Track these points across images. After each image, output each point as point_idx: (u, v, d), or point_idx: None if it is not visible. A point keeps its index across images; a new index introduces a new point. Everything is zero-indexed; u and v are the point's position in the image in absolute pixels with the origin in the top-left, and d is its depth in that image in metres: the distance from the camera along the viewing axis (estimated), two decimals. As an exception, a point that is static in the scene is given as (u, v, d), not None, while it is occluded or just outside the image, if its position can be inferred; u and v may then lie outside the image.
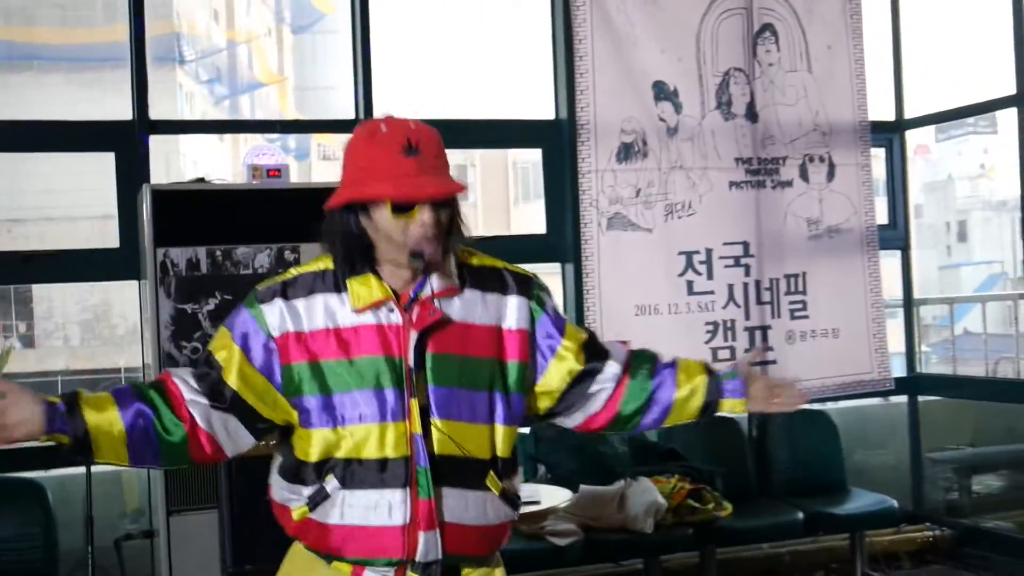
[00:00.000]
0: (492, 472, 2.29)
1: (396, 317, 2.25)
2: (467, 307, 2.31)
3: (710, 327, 6.15)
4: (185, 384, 2.27)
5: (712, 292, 6.15)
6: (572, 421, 2.50)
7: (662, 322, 6.04)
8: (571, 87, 5.97)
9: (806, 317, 6.35)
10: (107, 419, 2.18)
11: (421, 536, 2.21)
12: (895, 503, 5.95)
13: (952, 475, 6.97)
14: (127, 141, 5.46)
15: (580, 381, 2.42)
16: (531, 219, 6.34)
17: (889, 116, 6.89)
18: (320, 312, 2.26)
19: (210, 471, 4.25)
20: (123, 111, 5.54)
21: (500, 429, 2.31)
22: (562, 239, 6.10)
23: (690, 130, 6.13)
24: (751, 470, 6.19)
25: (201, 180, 5.02)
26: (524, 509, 4.40)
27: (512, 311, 2.35)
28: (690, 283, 6.12)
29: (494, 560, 2.42)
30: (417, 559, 2.22)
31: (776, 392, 2.53)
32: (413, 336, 2.24)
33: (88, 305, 22.16)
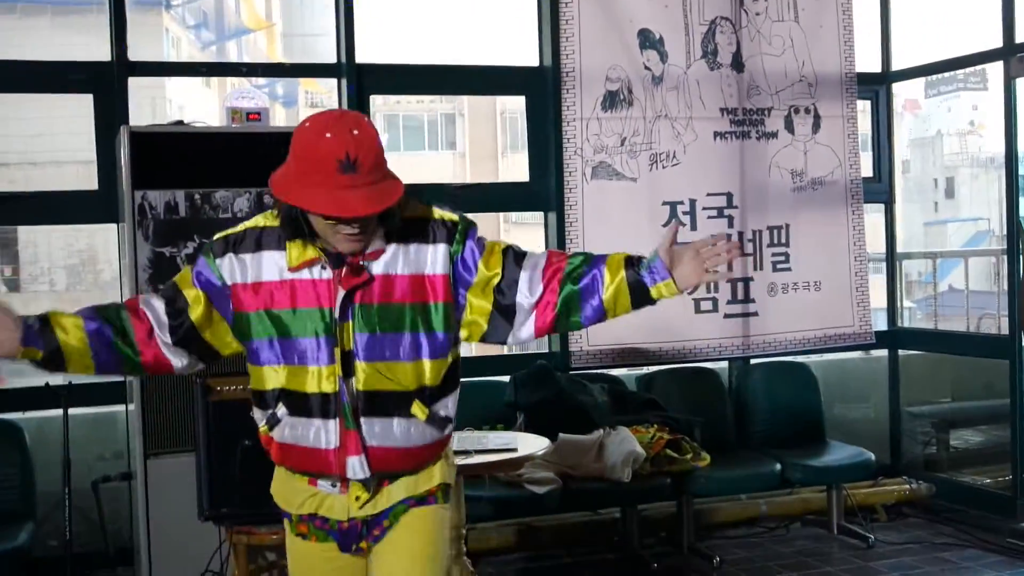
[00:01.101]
0: (418, 400, 2.59)
1: (328, 273, 2.54)
2: (390, 261, 2.57)
3: (693, 278, 6.12)
4: (155, 317, 2.63)
5: (695, 243, 6.12)
6: (515, 334, 2.68)
7: (645, 272, 6.01)
8: (555, 34, 5.92)
9: (788, 270, 6.34)
10: (75, 335, 2.54)
11: (349, 460, 2.57)
12: (872, 456, 5.98)
13: (931, 429, 7.00)
14: (106, 82, 5.40)
15: (502, 301, 2.63)
16: (519, 168, 6.30)
17: (876, 68, 6.84)
18: (266, 266, 2.57)
19: (188, 416, 4.23)
20: (104, 53, 5.47)
21: (427, 363, 2.60)
22: (545, 187, 6.07)
23: (675, 79, 6.09)
24: (730, 421, 6.21)
25: (180, 123, 4.96)
26: (500, 456, 4.44)
27: (434, 258, 2.59)
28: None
29: (427, 468, 2.67)
30: (348, 476, 2.58)
31: (705, 258, 2.63)
32: (340, 293, 2.52)
33: (74, 250, 22.04)
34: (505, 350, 7.02)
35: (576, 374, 5.93)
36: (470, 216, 2.70)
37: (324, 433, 2.57)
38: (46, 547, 5.15)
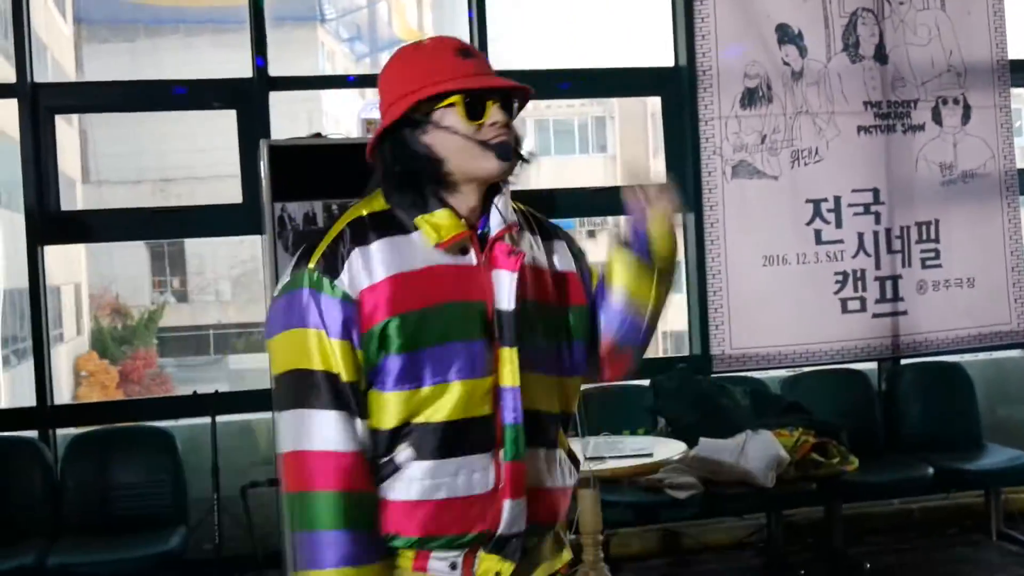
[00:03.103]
0: (560, 429, 2.07)
1: (471, 257, 1.96)
2: (527, 248, 2.03)
3: (839, 277, 5.98)
4: (358, 447, 1.92)
5: (841, 241, 5.98)
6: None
7: (790, 272, 5.90)
8: (690, 32, 5.84)
9: (939, 266, 6.11)
10: None
11: (507, 504, 1.91)
12: (1033, 459, 5.72)
13: (1098, 431, 6.66)
14: (247, 98, 5.55)
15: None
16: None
17: (1032, 54, 6.54)
18: (390, 256, 1.92)
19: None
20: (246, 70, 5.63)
21: (568, 382, 2.07)
22: (683, 188, 5.99)
23: (816, 74, 5.94)
24: (879, 424, 6.01)
25: (318, 135, 5.07)
26: (636, 461, 4.41)
27: (563, 254, 2.11)
28: (818, 232, 5.95)
29: (559, 531, 2.16)
30: (500, 531, 1.92)
31: (658, 201, 2.00)
32: (508, 278, 1.94)
33: (237, 260, 22.77)
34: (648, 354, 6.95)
35: (717, 377, 5.83)
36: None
37: (477, 473, 1.91)
38: (199, 550, 5.31)
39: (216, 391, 5.06)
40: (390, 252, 1.92)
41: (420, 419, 1.90)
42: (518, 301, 1.94)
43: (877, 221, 6.02)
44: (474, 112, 1.94)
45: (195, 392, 5.11)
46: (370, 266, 1.91)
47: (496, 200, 2.02)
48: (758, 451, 5.22)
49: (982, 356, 6.52)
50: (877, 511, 5.96)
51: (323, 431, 1.88)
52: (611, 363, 2.14)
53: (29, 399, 5.44)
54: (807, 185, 5.94)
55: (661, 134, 6.16)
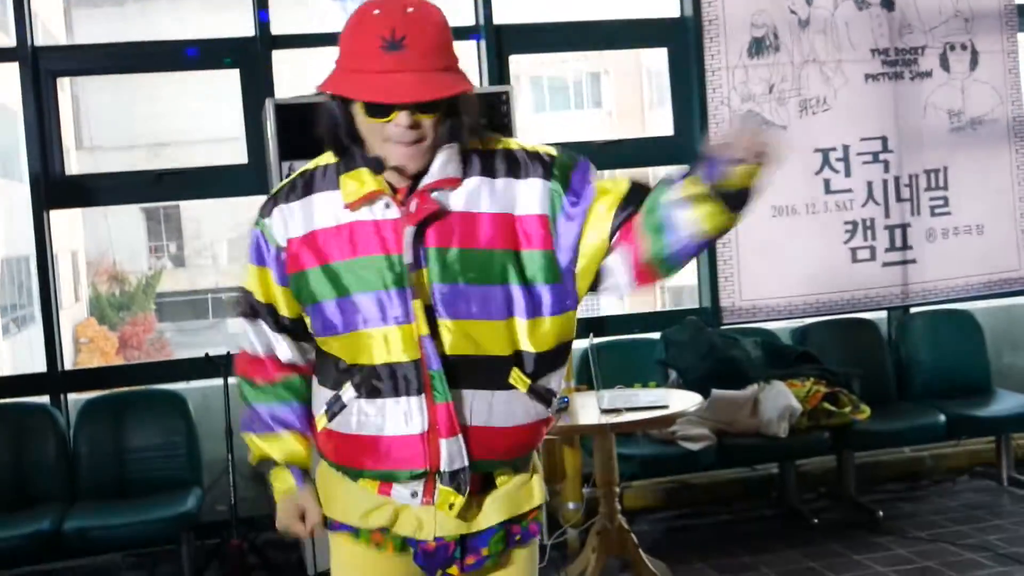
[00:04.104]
0: (516, 369, 2.09)
1: (393, 212, 2.04)
2: (471, 196, 2.07)
3: (849, 226, 5.96)
4: (285, 352, 2.25)
5: (850, 190, 5.96)
6: (621, 277, 2.13)
7: (800, 223, 5.89)
8: (696, -18, 5.79)
9: (948, 214, 6.09)
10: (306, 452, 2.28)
11: (443, 443, 2.04)
12: (1044, 405, 5.72)
13: (1107, 375, 6.66)
14: (250, 57, 5.50)
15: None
16: (665, 124, 6.22)
17: (1038, -2, 6.49)
18: (318, 210, 2.09)
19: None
20: (248, 28, 5.57)
21: (521, 323, 2.09)
22: (691, 141, 5.96)
23: (822, 21, 5.90)
24: (890, 373, 6.01)
25: (323, 93, 5.00)
26: (651, 413, 4.40)
27: (528, 195, 2.09)
28: (827, 181, 5.93)
29: (530, 464, 2.23)
30: (442, 468, 2.05)
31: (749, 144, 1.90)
32: (409, 231, 2.02)
33: (234, 223, 22.73)
34: (658, 306, 6.92)
35: (728, 329, 5.82)
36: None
37: (407, 414, 2.04)
38: (214, 512, 5.32)
39: (228, 352, 5.04)
40: (318, 207, 2.10)
41: (358, 361, 2.08)
42: (438, 250, 2.03)
43: (886, 169, 6.00)
44: (377, 112, 1.98)
45: (207, 354, 5.08)
46: (297, 219, 2.11)
47: (438, 155, 2.06)
48: (770, 402, 5.24)
49: (991, 303, 6.50)
50: (889, 459, 5.98)
51: (248, 338, 2.26)
52: (641, 274, 2.11)
53: (30, 366, 5.42)
54: (816, 134, 5.91)
55: (656, 88, 6.11)
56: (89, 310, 22.77)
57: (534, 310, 2.09)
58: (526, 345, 2.10)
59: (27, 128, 5.32)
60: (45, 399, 5.35)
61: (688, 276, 6.19)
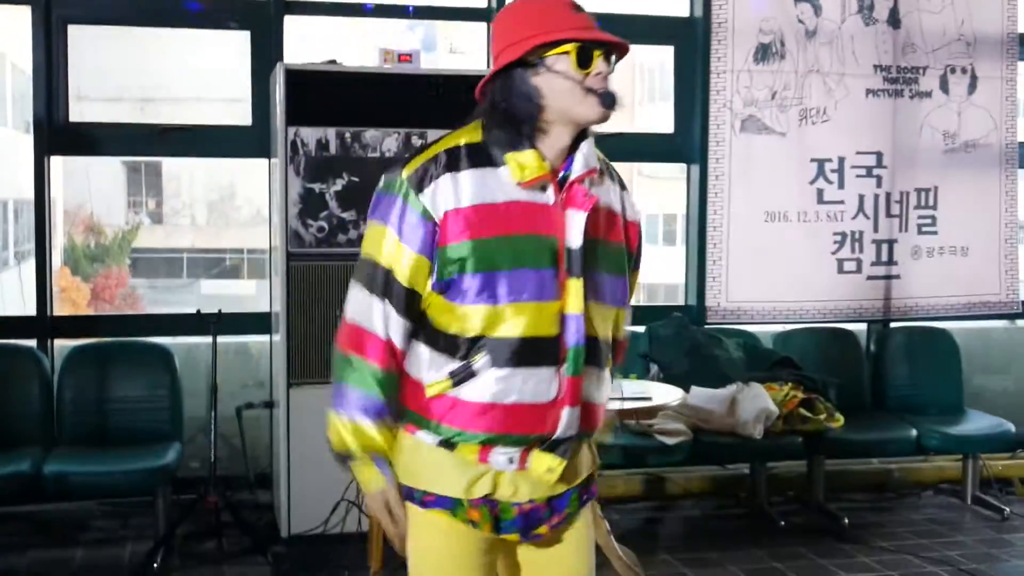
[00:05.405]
0: (610, 353, 2.35)
1: (550, 196, 2.20)
2: (605, 192, 2.30)
3: (838, 237, 6.05)
4: (400, 341, 2.24)
5: (842, 202, 6.04)
6: None
7: (790, 230, 5.97)
8: (707, -16, 5.84)
9: (935, 233, 6.20)
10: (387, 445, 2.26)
11: (565, 411, 2.19)
12: (1013, 428, 5.81)
13: (1075, 403, 6.79)
14: (263, 20, 5.52)
15: None
16: (652, 120, 6.28)
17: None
18: (485, 184, 2.18)
19: (331, 347, 4.33)
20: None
21: (622, 313, 2.39)
22: (690, 140, 6.02)
23: (829, 33, 5.97)
24: (866, 384, 6.11)
25: (333, 62, 5.04)
26: (633, 404, 4.46)
27: (629, 203, 2.39)
28: (820, 191, 6.02)
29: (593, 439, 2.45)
30: (558, 434, 2.20)
31: None
32: (579, 217, 2.19)
33: (215, 185, 22.59)
34: (642, 301, 7.00)
35: (711, 328, 5.90)
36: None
37: (540, 383, 2.18)
38: (189, 468, 5.36)
39: (219, 311, 5.07)
40: (478, 182, 2.18)
41: (497, 333, 2.17)
42: (585, 239, 2.20)
43: (878, 184, 6.08)
44: (583, 61, 2.16)
45: (198, 311, 5.10)
46: (458, 191, 2.17)
47: (582, 146, 2.24)
48: (748, 403, 5.31)
49: (968, 324, 6.62)
50: (858, 469, 6.08)
51: (373, 316, 2.22)
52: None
53: (4, 310, 5.43)
54: (813, 144, 5.98)
55: (647, 85, 6.16)
56: (63, 259, 22.61)
57: (624, 302, 2.38)
58: (617, 332, 2.37)
59: (35, 73, 5.32)
60: (32, 343, 5.36)
61: (676, 274, 6.29)
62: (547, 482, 2.25)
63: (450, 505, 2.25)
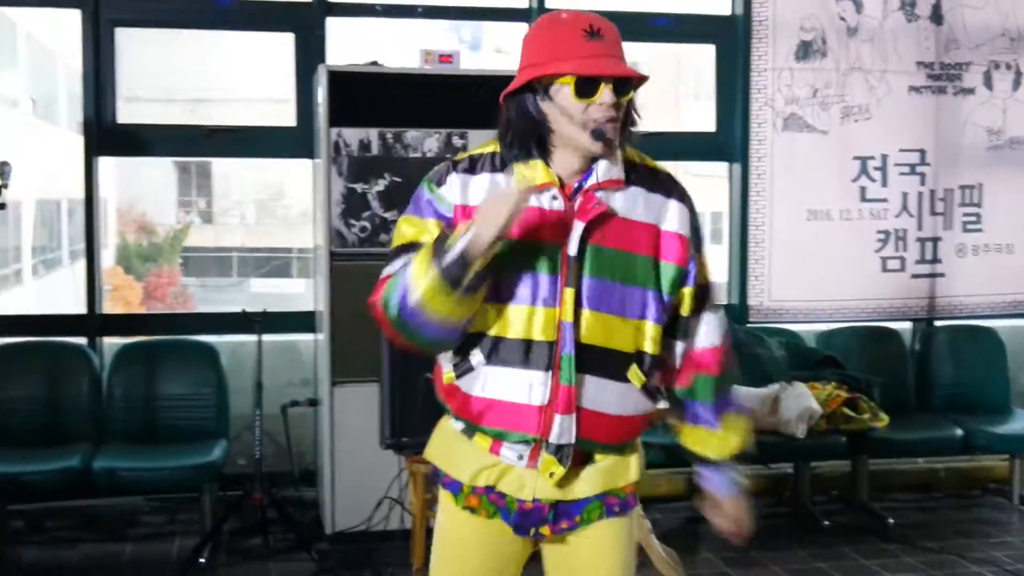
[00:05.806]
0: (635, 365, 2.30)
1: (559, 204, 2.25)
2: (629, 203, 2.29)
3: (881, 236, 6.02)
4: None
5: (885, 200, 6.01)
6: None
7: (833, 228, 5.95)
8: (749, -19, 5.84)
9: (980, 231, 6.15)
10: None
11: (557, 418, 2.24)
12: (1060, 427, 5.76)
13: (1124, 403, 6.70)
14: (307, 22, 5.58)
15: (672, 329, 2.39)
16: (695, 118, 6.27)
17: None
18: (485, 189, 2.28)
19: (374, 346, 4.37)
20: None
21: (650, 326, 2.32)
22: (731, 138, 6.02)
23: (871, 31, 5.94)
24: (911, 384, 6.07)
25: (375, 63, 5.09)
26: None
27: (674, 215, 2.34)
28: (863, 189, 5.99)
29: (629, 448, 2.41)
30: (551, 439, 2.25)
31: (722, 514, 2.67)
32: (579, 226, 2.23)
33: (263, 184, 22.74)
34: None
35: (754, 327, 5.89)
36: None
37: (531, 386, 2.24)
38: (235, 464, 5.43)
39: (264, 310, 5.14)
40: (490, 186, 2.28)
41: (493, 331, 2.26)
42: (590, 246, 2.24)
43: (922, 182, 6.05)
44: (585, 91, 2.19)
45: (244, 310, 5.18)
46: (467, 191, 2.30)
47: (599, 162, 2.27)
48: (791, 402, 5.30)
49: (1015, 322, 6.55)
50: (903, 468, 6.05)
51: (398, 270, 2.26)
52: (667, 378, 2.43)
53: (57, 309, 5.53)
54: (855, 142, 5.96)
55: (690, 83, 6.15)
56: (116, 258, 22.89)
57: (659, 317, 2.33)
58: (648, 347, 2.32)
59: (84, 75, 5.41)
60: (82, 340, 5.46)
61: (719, 273, 6.27)
62: (550, 485, 2.31)
63: (456, 489, 2.38)
